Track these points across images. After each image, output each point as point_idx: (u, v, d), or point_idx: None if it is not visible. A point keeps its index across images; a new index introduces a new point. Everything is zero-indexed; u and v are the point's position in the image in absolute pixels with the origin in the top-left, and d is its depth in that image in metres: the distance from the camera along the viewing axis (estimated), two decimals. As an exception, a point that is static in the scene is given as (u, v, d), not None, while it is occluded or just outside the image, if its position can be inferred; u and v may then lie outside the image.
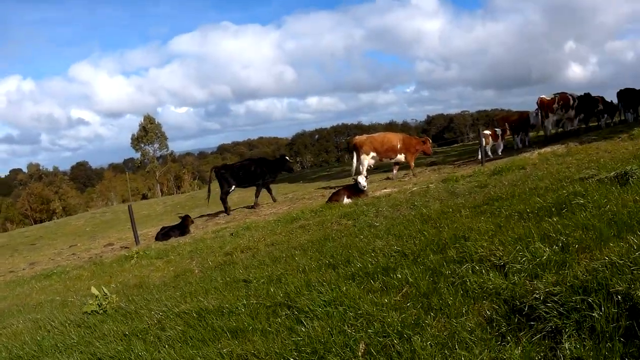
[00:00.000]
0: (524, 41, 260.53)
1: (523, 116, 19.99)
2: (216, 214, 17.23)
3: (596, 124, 21.05)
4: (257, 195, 16.80)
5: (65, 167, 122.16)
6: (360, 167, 15.35)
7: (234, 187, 16.49)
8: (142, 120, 78.73)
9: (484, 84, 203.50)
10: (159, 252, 10.85)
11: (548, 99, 18.80)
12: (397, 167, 16.32)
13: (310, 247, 7.47)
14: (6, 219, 63.05)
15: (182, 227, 13.70)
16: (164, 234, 13.55)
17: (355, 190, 12.24)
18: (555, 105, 18.55)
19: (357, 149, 15.55)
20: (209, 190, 17.35)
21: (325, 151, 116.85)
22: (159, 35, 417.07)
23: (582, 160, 9.77)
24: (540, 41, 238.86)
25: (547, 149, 13.22)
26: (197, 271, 8.42)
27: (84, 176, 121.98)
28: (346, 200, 11.87)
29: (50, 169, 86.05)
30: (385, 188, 12.53)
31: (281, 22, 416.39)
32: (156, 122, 79.46)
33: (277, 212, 14.11)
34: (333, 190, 14.76)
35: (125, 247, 14.21)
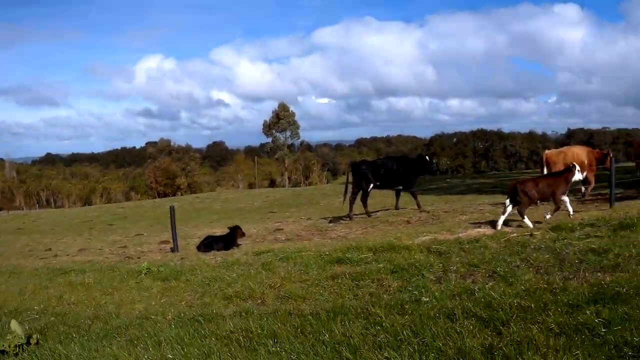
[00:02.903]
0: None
1: None
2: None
3: None
4: (400, 199, 15.88)
5: (203, 144, 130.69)
6: None
7: (372, 185, 14.92)
8: (277, 107, 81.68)
9: (624, 101, 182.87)
10: (172, 272, 9.22)
11: None
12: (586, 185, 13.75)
13: (303, 328, 5.23)
14: (131, 188, 68.04)
15: (229, 239, 12.03)
16: (207, 245, 12.03)
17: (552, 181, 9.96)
18: None
19: (550, 165, 13.74)
20: (346, 188, 15.83)
21: (462, 155, 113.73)
22: (302, 26, 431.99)
23: None
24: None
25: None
26: (169, 317, 6.56)
27: (219, 155, 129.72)
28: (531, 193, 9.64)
29: (184, 145, 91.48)
30: (479, 226, 9.72)
31: (424, 21, 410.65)
32: (290, 111, 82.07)
33: (346, 235, 11.91)
34: (419, 219, 12.64)
35: (172, 250, 12.95)
